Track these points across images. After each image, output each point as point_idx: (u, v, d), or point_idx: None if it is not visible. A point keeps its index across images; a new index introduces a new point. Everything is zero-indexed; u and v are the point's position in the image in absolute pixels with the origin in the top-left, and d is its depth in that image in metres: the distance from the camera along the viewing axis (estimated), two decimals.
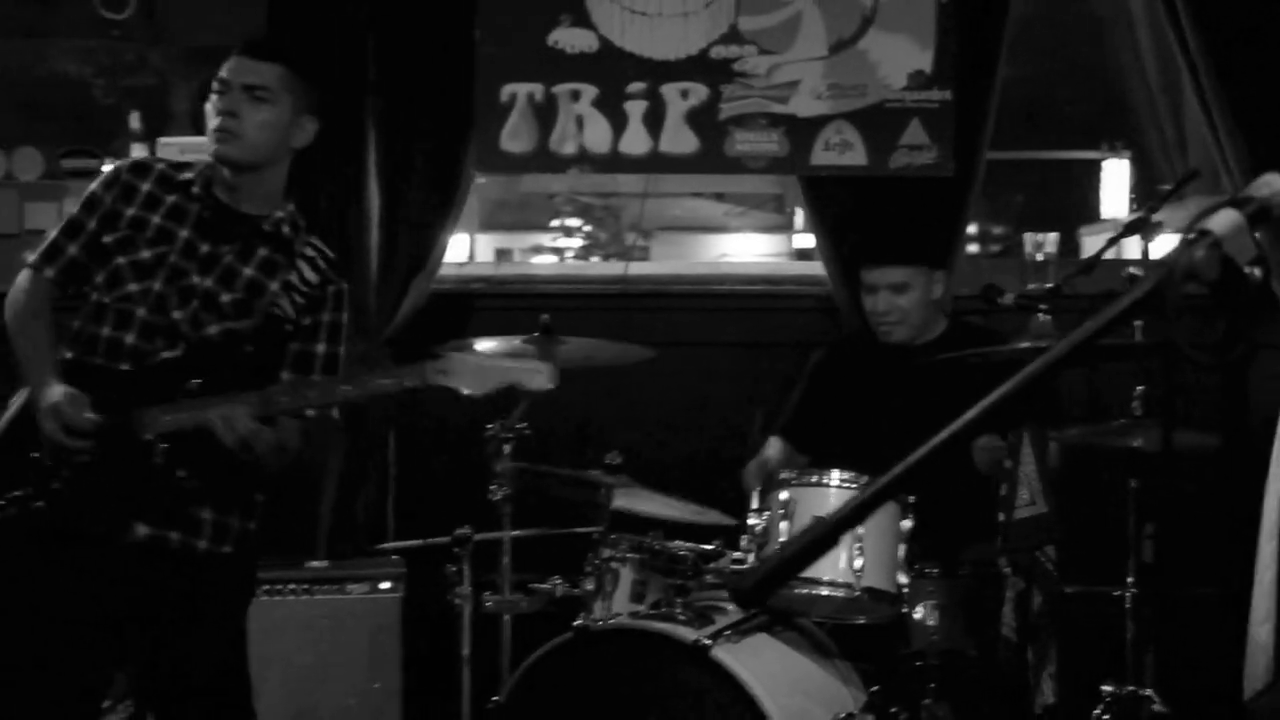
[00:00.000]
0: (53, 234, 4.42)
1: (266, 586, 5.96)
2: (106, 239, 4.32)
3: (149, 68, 7.39)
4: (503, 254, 11.96)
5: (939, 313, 5.90)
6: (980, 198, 7.03)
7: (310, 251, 4.45)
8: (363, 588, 6.10)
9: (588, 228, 12.33)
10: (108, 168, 4.52)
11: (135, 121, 6.89)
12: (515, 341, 5.47)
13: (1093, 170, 8.65)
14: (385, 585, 6.11)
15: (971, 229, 9.38)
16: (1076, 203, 8.85)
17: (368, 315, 6.75)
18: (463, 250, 8.28)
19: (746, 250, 12.19)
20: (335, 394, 4.35)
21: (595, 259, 10.80)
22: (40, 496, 4.15)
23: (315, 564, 6.26)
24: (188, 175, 4.40)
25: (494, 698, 4.94)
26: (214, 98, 4.31)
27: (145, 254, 4.28)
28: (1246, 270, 2.30)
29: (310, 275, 4.40)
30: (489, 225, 11.39)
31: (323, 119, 6.20)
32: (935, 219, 6.63)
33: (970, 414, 2.26)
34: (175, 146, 6.34)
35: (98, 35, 6.57)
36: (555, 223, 12.86)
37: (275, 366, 4.35)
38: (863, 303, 5.87)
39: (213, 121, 4.30)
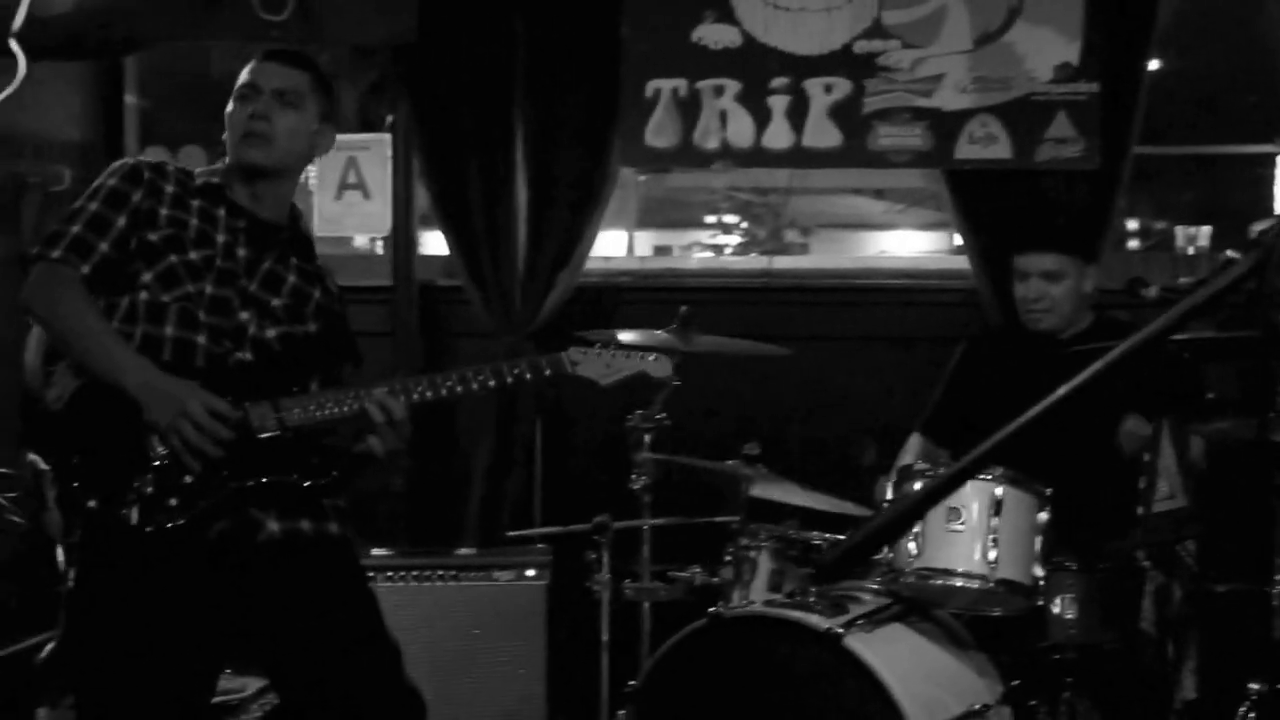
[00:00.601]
0: (73, 228, 4.17)
1: (415, 573, 6.10)
2: (152, 236, 4.14)
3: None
4: (660, 250, 12.04)
5: (1086, 306, 5.86)
6: (1135, 191, 6.98)
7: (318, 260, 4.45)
8: (509, 575, 6.18)
9: (744, 224, 12.36)
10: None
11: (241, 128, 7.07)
12: (655, 334, 5.53)
13: (1268, 164, 8.51)
14: (531, 573, 6.18)
15: (1132, 224, 9.32)
16: (1250, 198, 8.72)
17: (513, 309, 6.87)
18: (620, 247, 8.36)
19: (906, 247, 12.18)
20: (472, 382, 4.20)
21: (752, 255, 10.81)
22: (171, 493, 3.99)
23: (463, 551, 6.37)
24: (200, 181, 4.28)
25: (631, 682, 4.99)
26: (237, 103, 4.25)
27: (193, 255, 4.15)
28: None
29: (332, 285, 4.41)
30: (646, 222, 11.47)
31: (472, 116, 6.32)
32: (1082, 212, 6.60)
33: (1062, 390, 2.28)
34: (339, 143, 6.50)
35: (258, 36, 6.68)
36: (711, 219, 12.93)
37: (339, 361, 4.37)
38: (1013, 290, 5.80)
39: (240, 126, 4.22)
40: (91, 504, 4.09)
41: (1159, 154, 7.63)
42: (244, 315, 4.15)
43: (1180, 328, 2.23)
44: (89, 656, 4.14)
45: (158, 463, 3.98)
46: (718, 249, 12.52)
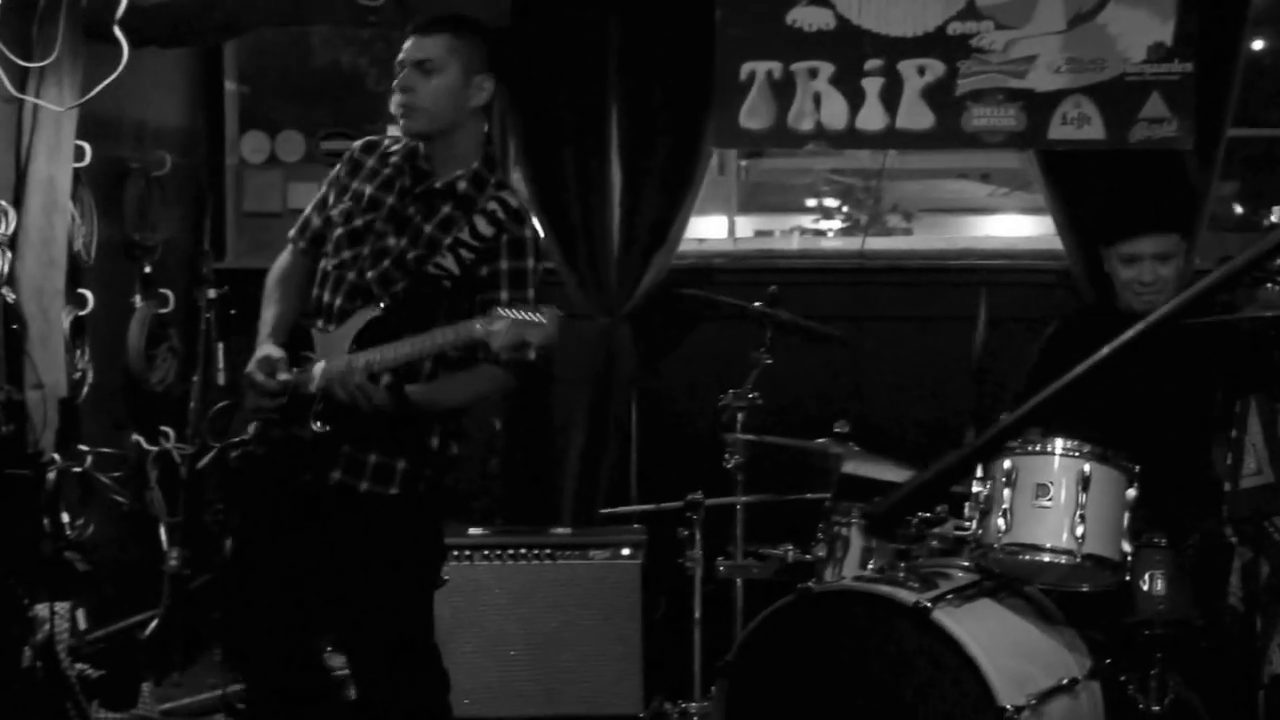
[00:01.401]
0: (308, 208, 4.89)
1: (511, 552, 6.20)
2: (333, 211, 4.76)
3: None
4: (762, 234, 12.06)
5: (1183, 286, 5.82)
6: (1240, 175, 6.96)
7: (491, 205, 4.59)
8: (604, 554, 6.27)
9: (845, 209, 12.37)
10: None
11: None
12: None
13: None
14: (626, 551, 6.27)
15: (1237, 209, 9.26)
16: None
17: (608, 291, 6.94)
18: (722, 231, 8.41)
19: (1010, 231, 12.13)
20: (403, 351, 4.41)
21: (850, 238, 10.80)
22: (258, 444, 4.67)
23: (559, 530, 6.47)
24: (395, 146, 4.76)
25: (724, 657, 5.05)
26: (397, 79, 4.62)
27: (358, 222, 4.68)
28: None
29: (485, 229, 4.54)
30: (747, 207, 11.49)
31: (567, 98, 6.41)
32: (1177, 192, 6.59)
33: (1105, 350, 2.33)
34: None
35: (354, 22, 6.77)
36: (812, 203, 12.94)
37: (430, 320, 4.48)
38: (1116, 272, 5.74)
39: (394, 101, 4.62)
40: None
41: (1270, 137, 7.63)
42: (371, 273, 4.60)
43: (1223, 291, 2.27)
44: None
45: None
46: (819, 233, 12.54)
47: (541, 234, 4.88)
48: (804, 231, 12.62)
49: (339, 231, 4.70)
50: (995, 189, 12.75)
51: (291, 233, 4.90)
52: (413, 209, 4.64)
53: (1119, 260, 5.65)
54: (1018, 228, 12.24)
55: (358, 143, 4.87)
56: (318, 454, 4.56)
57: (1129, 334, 2.41)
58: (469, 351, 4.43)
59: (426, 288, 4.52)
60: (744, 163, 9.15)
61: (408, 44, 4.65)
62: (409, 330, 4.44)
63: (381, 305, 4.53)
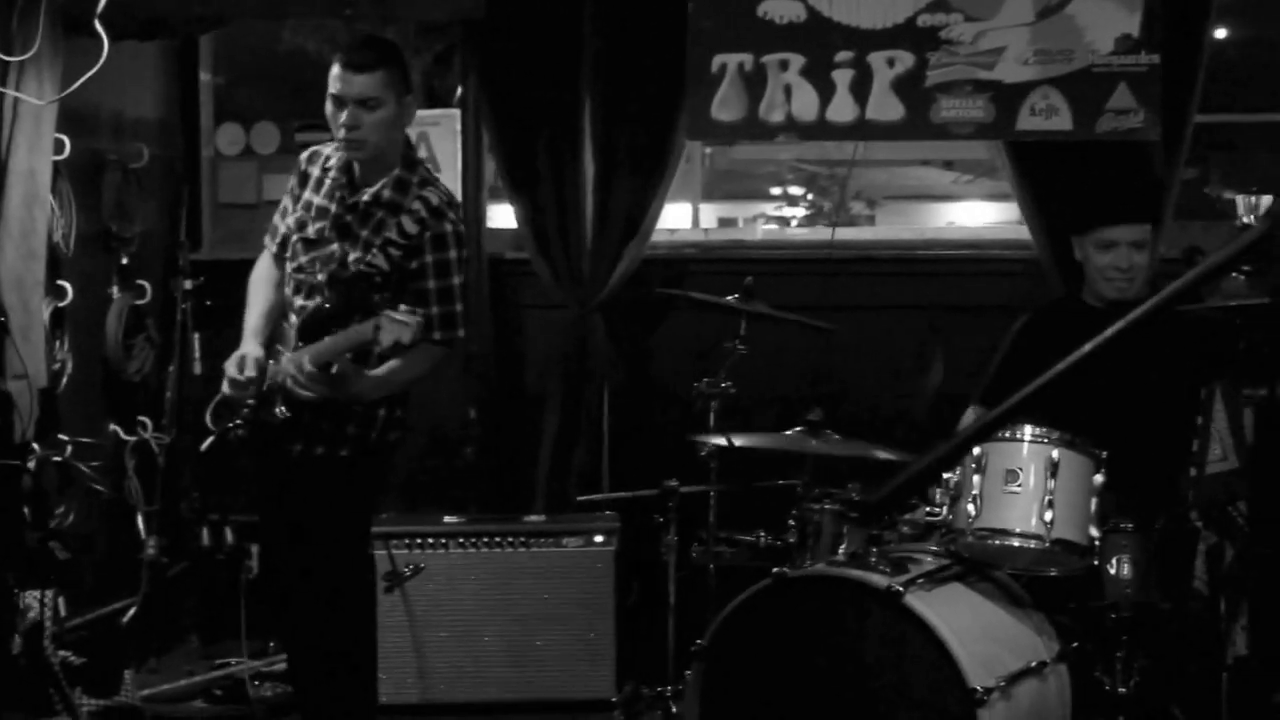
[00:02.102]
0: (275, 214, 5.41)
1: (486, 540, 6.26)
2: (289, 221, 5.30)
3: None
4: (725, 223, 12.07)
5: (1151, 275, 5.88)
6: (1209, 162, 7.02)
7: (415, 204, 5.07)
8: (578, 541, 6.33)
9: (810, 196, 12.40)
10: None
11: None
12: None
13: None
14: (600, 539, 6.33)
15: (1204, 194, 9.32)
16: None
17: (581, 281, 7.01)
18: (685, 219, 8.45)
19: (974, 218, 12.17)
20: (325, 345, 4.89)
21: (816, 228, 10.83)
22: (241, 427, 5.20)
23: (533, 518, 6.52)
24: (334, 158, 5.22)
25: (698, 641, 5.11)
26: (332, 109, 5.05)
27: (310, 230, 5.21)
28: None
29: (411, 227, 5.04)
30: (713, 194, 11.52)
31: (541, 90, 6.54)
32: (1148, 183, 6.67)
33: (1087, 347, 2.41)
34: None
35: (331, 14, 6.82)
36: (777, 191, 12.96)
37: (364, 312, 4.92)
38: (1093, 260, 5.78)
39: (338, 132, 5.05)
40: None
41: (1232, 123, 7.69)
42: (321, 275, 5.13)
43: (1195, 290, 2.36)
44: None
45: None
46: (783, 221, 12.56)
47: (464, 226, 5.25)
48: (769, 219, 12.66)
49: (295, 239, 5.24)
50: (959, 176, 12.76)
51: (266, 238, 5.41)
52: (351, 217, 5.12)
53: (1094, 247, 5.71)
54: (982, 215, 12.29)
55: (303, 154, 5.37)
56: (287, 433, 5.12)
57: (1113, 329, 2.49)
58: (368, 347, 4.86)
59: (360, 283, 5.03)
60: (709, 150, 9.18)
61: (343, 78, 5.02)
62: (347, 323, 4.94)
63: (326, 304, 5.08)
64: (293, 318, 5.18)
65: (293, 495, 5.23)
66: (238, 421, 5.17)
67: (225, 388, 5.16)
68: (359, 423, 5.14)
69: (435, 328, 5.03)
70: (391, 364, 5.00)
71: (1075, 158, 6.79)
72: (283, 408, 5.05)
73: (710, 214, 10.79)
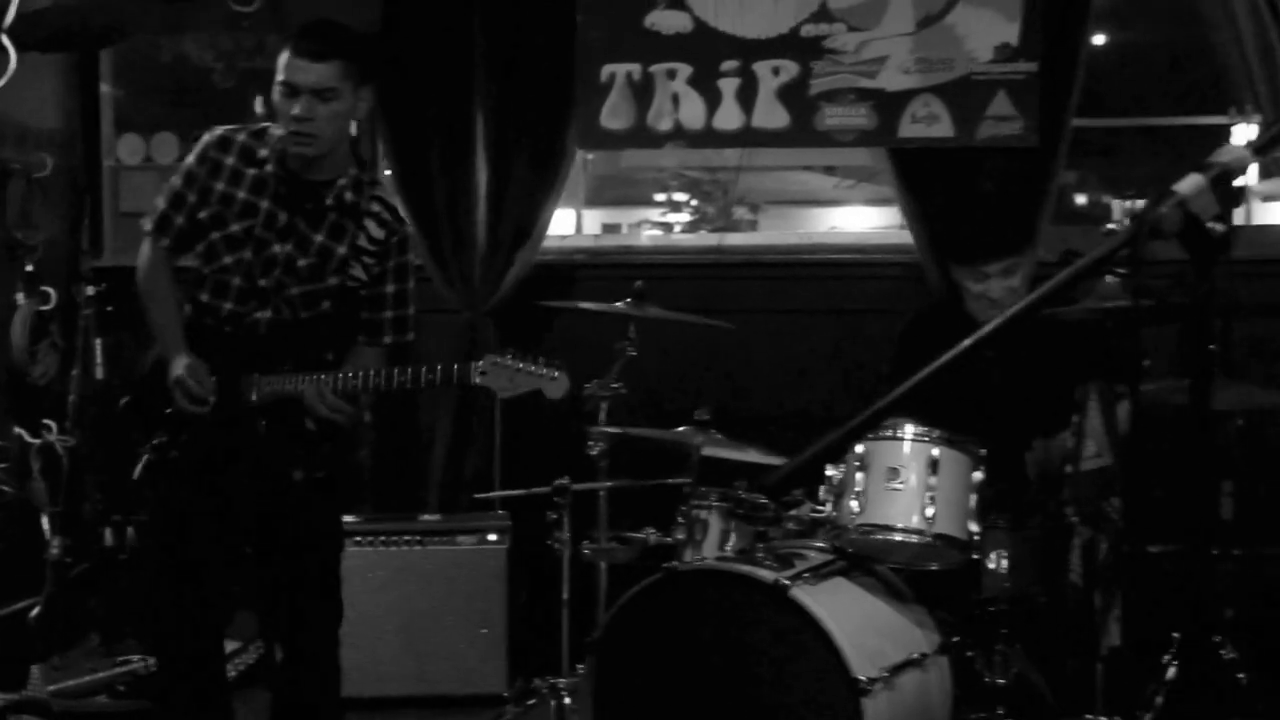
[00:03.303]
0: (161, 204, 4.97)
1: (381, 538, 6.36)
2: (201, 215, 4.88)
3: (268, 53, 7.72)
4: (609, 228, 12.15)
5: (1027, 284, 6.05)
6: (1088, 167, 7.15)
7: (376, 207, 4.88)
8: (471, 539, 6.46)
9: (694, 202, 12.53)
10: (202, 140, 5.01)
11: (259, 105, 7.23)
12: (613, 306, 5.78)
13: (1222, 137, 8.57)
14: (493, 537, 6.47)
15: (1080, 199, 9.51)
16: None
17: (473, 286, 7.09)
18: (569, 225, 8.54)
19: (857, 223, 12.34)
20: (394, 380, 4.77)
21: (702, 233, 10.95)
22: (175, 446, 4.88)
23: (427, 517, 6.66)
24: (264, 151, 4.86)
25: (591, 635, 5.21)
26: (280, 98, 4.73)
27: (235, 228, 4.84)
28: (1209, 225, 2.63)
29: (377, 232, 4.85)
30: (596, 200, 11.61)
31: (434, 100, 6.55)
32: (1020, 209, 6.83)
33: (966, 342, 2.57)
34: None
35: (229, 27, 6.89)
36: (661, 197, 13.08)
37: (354, 327, 4.90)
38: (968, 288, 5.93)
39: (288, 124, 4.72)
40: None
41: (1111, 127, 7.90)
42: (264, 281, 4.82)
43: (1063, 294, 2.52)
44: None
45: (169, 411, 4.88)
46: (667, 227, 12.67)
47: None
48: (652, 225, 12.77)
49: (215, 236, 4.86)
50: (841, 181, 12.96)
51: (148, 227, 5.00)
52: (299, 218, 4.83)
53: (968, 277, 5.91)
54: (864, 219, 12.47)
55: (211, 139, 4.95)
56: (257, 457, 4.88)
57: (985, 329, 2.66)
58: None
59: (349, 298, 4.86)
60: (591, 157, 9.28)
61: (297, 66, 4.70)
62: (339, 338, 4.88)
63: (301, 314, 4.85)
64: (210, 321, 4.89)
65: (284, 518, 4.94)
66: (164, 439, 4.89)
67: (184, 402, 4.80)
68: (334, 439, 4.97)
69: (388, 332, 4.94)
70: (363, 376, 4.85)
71: (956, 164, 6.94)
72: (264, 422, 4.85)
73: (594, 220, 10.88)
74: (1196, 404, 2.89)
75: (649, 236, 10.69)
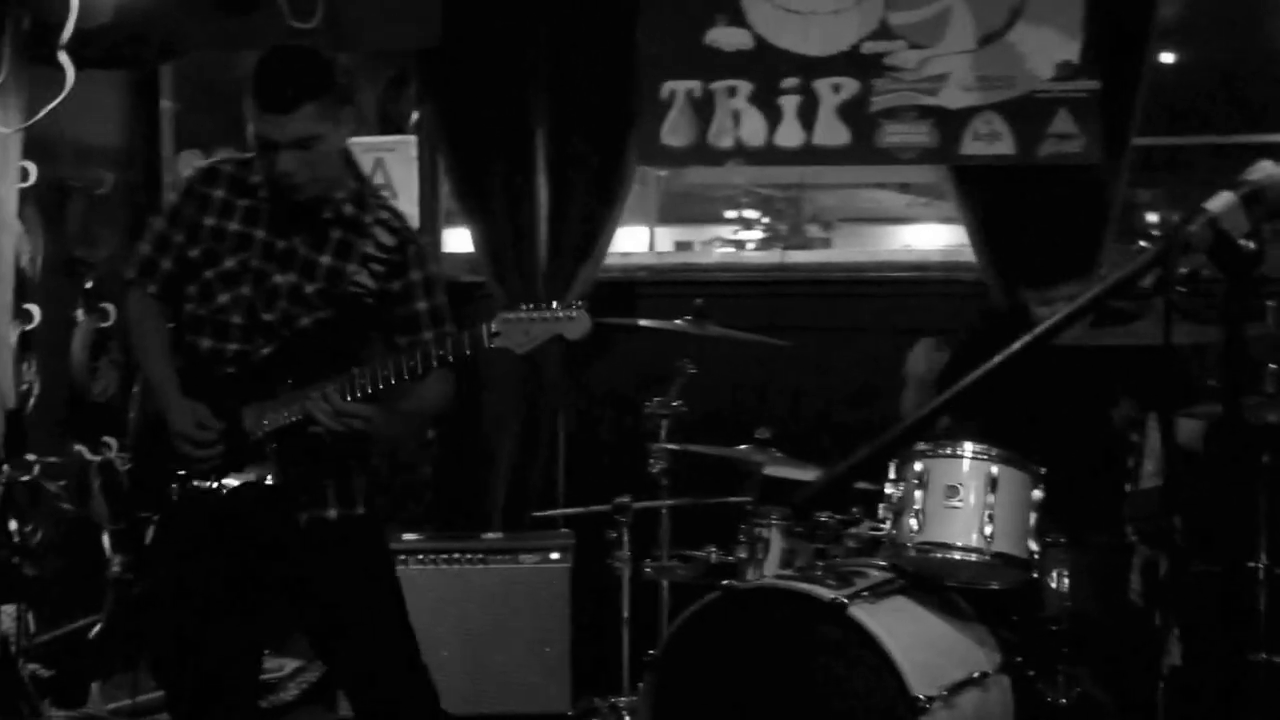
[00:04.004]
0: (144, 248, 4.57)
1: (444, 556, 6.38)
2: (192, 253, 4.48)
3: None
4: (682, 246, 12.14)
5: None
6: (1159, 183, 7.12)
7: (384, 214, 4.49)
8: (534, 558, 6.47)
9: (766, 220, 12.49)
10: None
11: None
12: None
13: None
14: (555, 556, 6.48)
15: (1153, 217, 9.44)
16: None
17: (536, 302, 7.06)
18: (642, 242, 8.54)
19: (930, 241, 12.26)
20: (404, 366, 4.30)
21: (769, 250, 10.90)
22: (189, 505, 4.46)
23: (489, 535, 6.66)
24: (256, 178, 4.45)
25: (650, 652, 5.22)
26: (259, 150, 4.32)
27: (229, 263, 4.44)
28: (1240, 243, 2.63)
29: (386, 239, 4.44)
30: (668, 218, 11.59)
31: (495, 117, 6.47)
32: (1084, 209, 6.80)
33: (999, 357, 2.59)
34: (361, 146, 6.70)
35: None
36: (732, 214, 13.05)
37: (362, 340, 4.51)
38: (1033, 311, 5.96)
39: (281, 179, 4.31)
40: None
41: (1180, 144, 7.80)
42: (268, 315, 4.42)
43: (1091, 313, 2.53)
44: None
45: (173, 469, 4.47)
46: (739, 244, 12.66)
47: None
48: (724, 243, 12.75)
49: (208, 275, 4.45)
50: (914, 199, 12.88)
51: (132, 274, 4.60)
52: (297, 239, 4.44)
53: (1034, 301, 5.91)
54: (937, 237, 12.40)
55: (195, 173, 4.63)
56: (278, 498, 4.45)
57: (1016, 345, 2.67)
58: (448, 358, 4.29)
59: (352, 308, 4.43)
60: (664, 174, 9.28)
61: (264, 120, 4.27)
62: (345, 352, 4.44)
63: (315, 327, 4.44)
64: (209, 367, 4.46)
65: (301, 575, 4.52)
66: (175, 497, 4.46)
67: (186, 449, 4.39)
68: (363, 472, 4.59)
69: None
70: (416, 390, 4.43)
71: (1019, 181, 6.91)
72: (272, 473, 4.41)
73: (666, 237, 10.86)
74: (1229, 422, 2.87)
75: (720, 254, 10.67)
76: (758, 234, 12.40)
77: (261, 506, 4.44)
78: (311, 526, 4.49)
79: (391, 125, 7.70)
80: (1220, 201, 2.68)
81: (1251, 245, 2.67)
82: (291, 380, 4.40)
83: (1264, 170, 2.73)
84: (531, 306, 4.34)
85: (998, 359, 2.66)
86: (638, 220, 8.49)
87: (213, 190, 4.49)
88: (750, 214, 12.98)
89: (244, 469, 4.42)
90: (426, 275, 4.50)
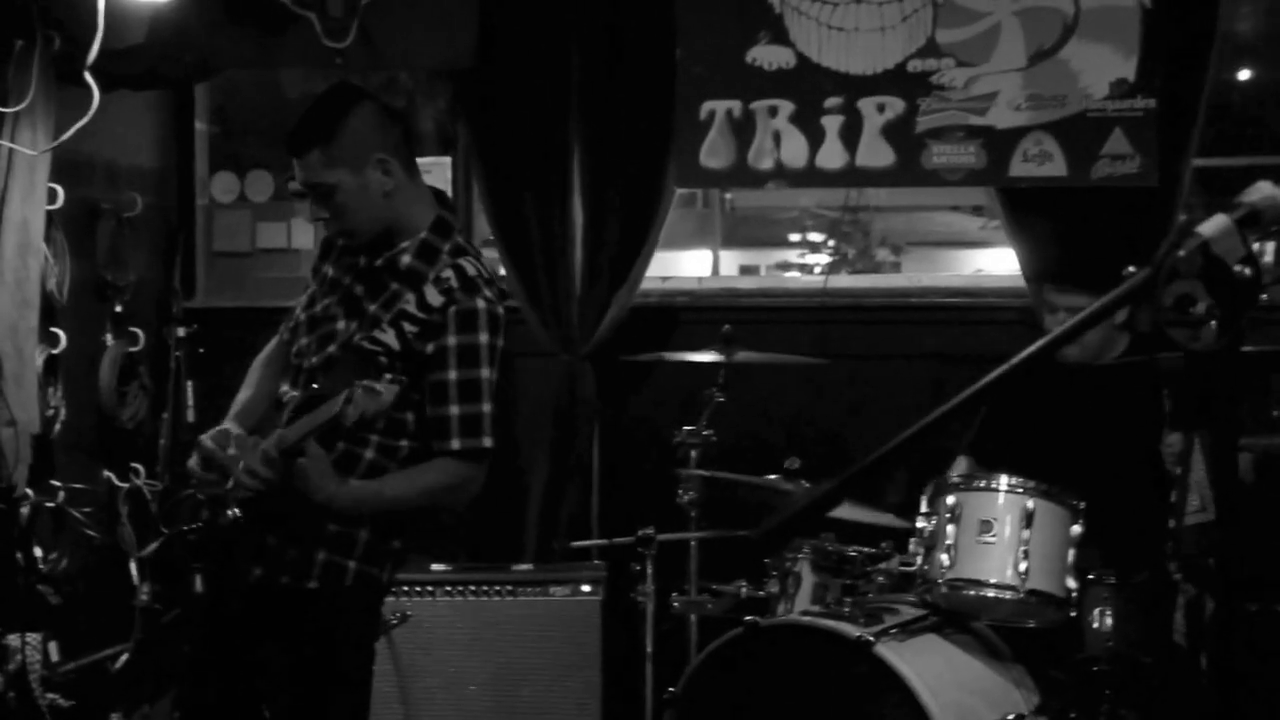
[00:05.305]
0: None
1: (473, 588, 6.25)
2: (303, 297, 4.51)
3: (397, 89, 7.70)
4: (747, 270, 12.07)
5: (1122, 333, 5.80)
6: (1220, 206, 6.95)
7: (446, 272, 4.22)
8: (565, 590, 6.32)
9: (832, 242, 12.35)
10: None
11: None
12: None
13: None
14: (586, 588, 6.31)
15: None
16: None
17: (570, 329, 6.98)
18: (705, 266, 8.42)
19: (1002, 264, 12.09)
20: (301, 427, 4.09)
21: (844, 274, 10.77)
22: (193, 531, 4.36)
23: (519, 567, 6.50)
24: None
25: (670, 689, 5.10)
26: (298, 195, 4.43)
27: (317, 308, 4.38)
28: (1235, 269, 2.44)
29: (434, 298, 4.17)
30: (732, 241, 11.49)
31: (531, 137, 6.34)
32: (1139, 231, 6.56)
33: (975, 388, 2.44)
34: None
35: (322, 65, 6.83)
36: (796, 237, 12.94)
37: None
38: (1043, 319, 5.86)
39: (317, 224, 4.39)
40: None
41: (1250, 165, 7.59)
42: (314, 359, 4.31)
43: (1076, 337, 2.35)
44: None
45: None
46: (806, 268, 12.54)
47: (502, 308, 4.32)
48: (791, 266, 12.63)
49: (302, 318, 4.42)
50: (988, 222, 12.71)
51: (283, 326, 4.63)
52: (360, 288, 4.30)
53: (1045, 305, 5.76)
54: (1012, 261, 12.22)
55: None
56: (240, 547, 4.28)
57: (1006, 366, 2.51)
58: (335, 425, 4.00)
59: (361, 363, 4.15)
60: (729, 196, 9.19)
61: (294, 166, 4.28)
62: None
63: (316, 388, 4.24)
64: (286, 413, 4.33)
65: (256, 632, 4.38)
66: (194, 524, 4.33)
67: (194, 480, 4.29)
68: (331, 546, 4.24)
69: (454, 435, 4.18)
70: (389, 476, 4.21)
71: (1069, 206, 6.71)
72: (236, 509, 4.19)
73: (731, 261, 10.75)
74: (1220, 453, 2.70)
75: (788, 278, 10.56)
76: (825, 258, 12.26)
77: (224, 557, 4.33)
78: (260, 586, 4.30)
79: (451, 144, 7.58)
80: (1213, 225, 2.50)
81: (1247, 272, 2.48)
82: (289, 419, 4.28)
83: (1262, 191, 2.54)
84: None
85: (990, 376, 2.49)
86: (703, 244, 8.38)
87: (328, 248, 4.51)
88: (815, 237, 12.87)
89: (216, 508, 4.28)
90: (465, 342, 4.18)
